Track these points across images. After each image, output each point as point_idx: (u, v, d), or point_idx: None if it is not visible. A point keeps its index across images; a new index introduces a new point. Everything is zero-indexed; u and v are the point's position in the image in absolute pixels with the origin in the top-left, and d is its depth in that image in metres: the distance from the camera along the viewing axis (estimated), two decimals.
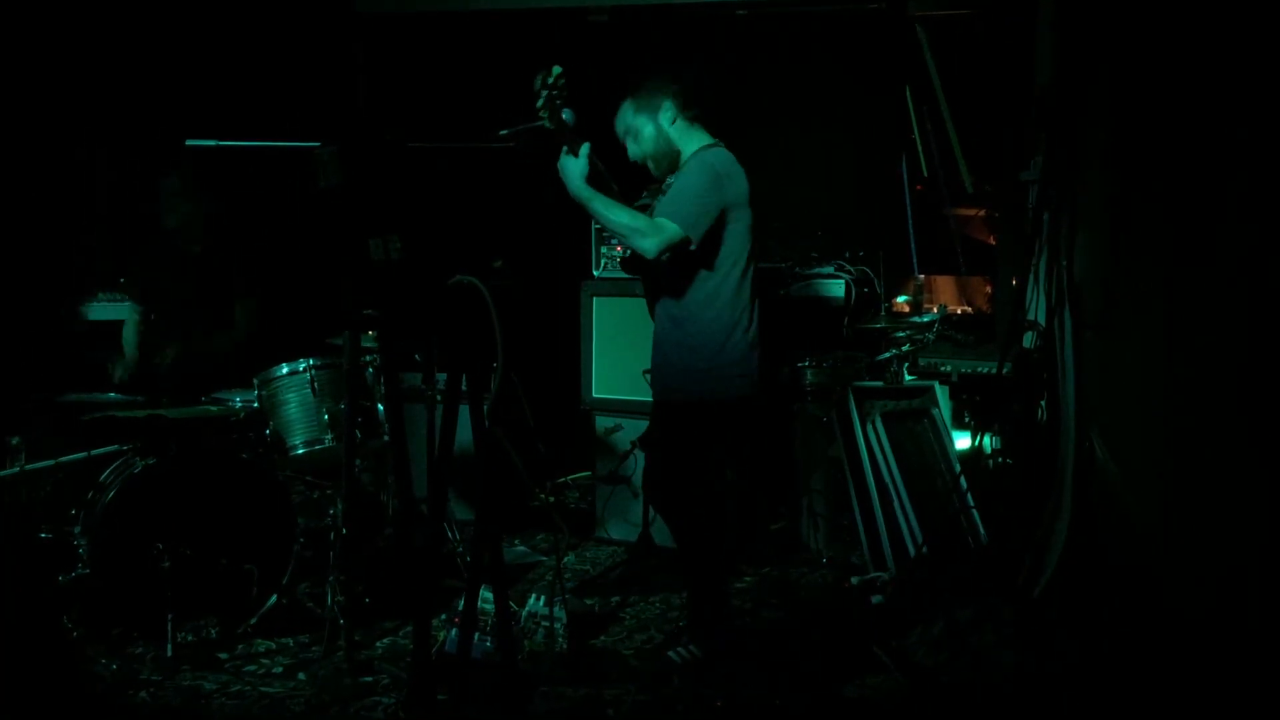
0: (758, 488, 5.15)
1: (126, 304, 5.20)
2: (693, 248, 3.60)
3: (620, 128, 3.84)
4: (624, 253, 3.72)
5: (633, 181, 3.90)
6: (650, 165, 3.84)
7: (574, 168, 3.59)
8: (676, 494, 3.83)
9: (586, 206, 3.61)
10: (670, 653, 3.85)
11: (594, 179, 3.61)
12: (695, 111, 3.81)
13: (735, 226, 3.69)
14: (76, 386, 4.47)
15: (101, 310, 5.60)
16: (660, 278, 3.76)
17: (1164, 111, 3.56)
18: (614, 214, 3.59)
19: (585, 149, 3.59)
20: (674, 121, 3.77)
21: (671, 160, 3.80)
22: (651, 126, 3.78)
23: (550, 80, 3.47)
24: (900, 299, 6.11)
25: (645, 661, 3.93)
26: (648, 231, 3.54)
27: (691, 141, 3.79)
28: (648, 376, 3.97)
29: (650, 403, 4.00)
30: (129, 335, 5.05)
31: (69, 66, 5.50)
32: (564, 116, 3.55)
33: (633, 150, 3.83)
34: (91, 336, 5.47)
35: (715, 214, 3.63)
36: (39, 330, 5.30)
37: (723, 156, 3.74)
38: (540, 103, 3.50)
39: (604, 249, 5.46)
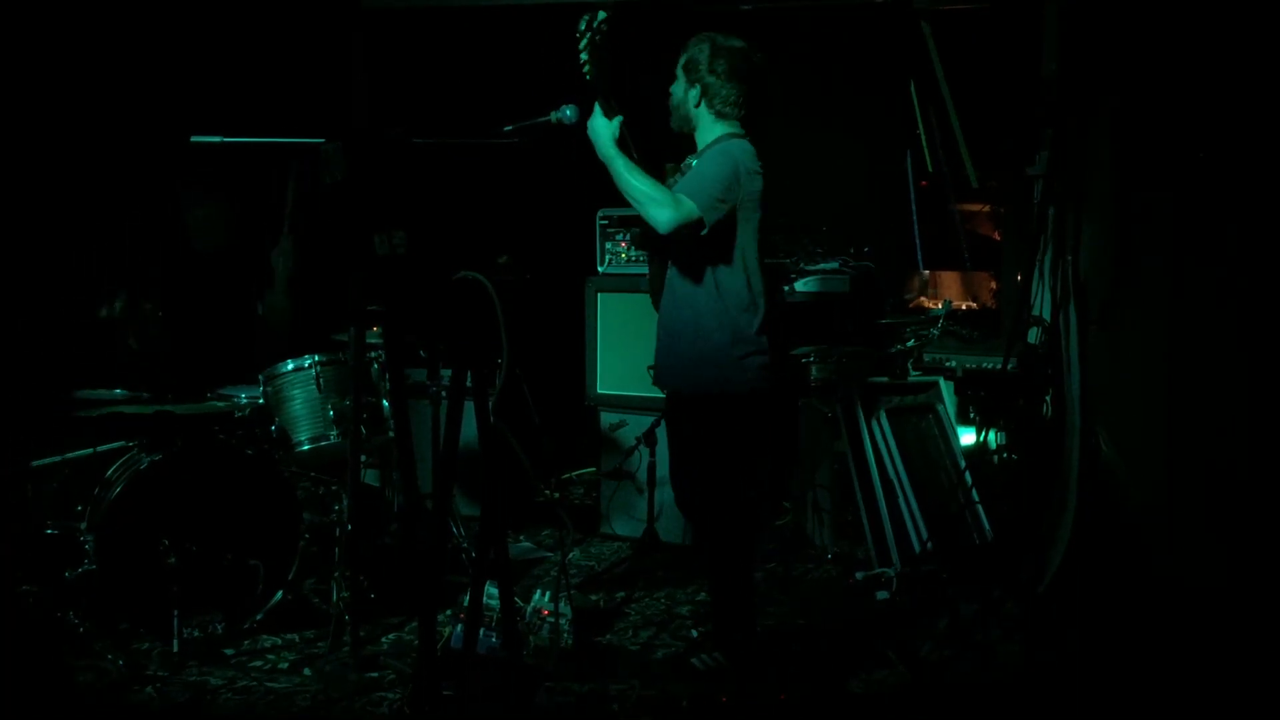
0: (765, 483, 5.15)
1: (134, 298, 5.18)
2: (704, 233, 3.54)
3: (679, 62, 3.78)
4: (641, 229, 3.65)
5: (654, 169, 3.85)
6: (671, 114, 3.79)
7: (605, 129, 3.53)
8: (698, 492, 3.77)
9: (610, 167, 3.54)
10: (694, 660, 3.81)
11: (620, 145, 3.54)
12: (731, 111, 3.70)
13: (745, 225, 3.64)
14: (83, 382, 4.47)
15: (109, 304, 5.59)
16: (671, 262, 3.72)
17: (1170, 107, 3.56)
18: (636, 179, 3.50)
19: (619, 119, 3.53)
20: (698, 105, 3.70)
21: (687, 128, 3.75)
22: (681, 89, 3.72)
23: (595, 23, 3.41)
24: (905, 295, 6.12)
25: (666, 669, 3.86)
26: (666, 203, 3.46)
27: (713, 130, 3.71)
28: (652, 373, 3.92)
29: (653, 398, 3.96)
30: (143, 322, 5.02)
31: (70, 60, 5.50)
32: (567, 112, 3.51)
33: (674, 87, 3.79)
34: (98, 332, 5.47)
35: (729, 207, 3.58)
36: (45, 326, 5.30)
37: (747, 152, 3.65)
38: (583, 44, 3.44)
39: (609, 245, 5.46)
